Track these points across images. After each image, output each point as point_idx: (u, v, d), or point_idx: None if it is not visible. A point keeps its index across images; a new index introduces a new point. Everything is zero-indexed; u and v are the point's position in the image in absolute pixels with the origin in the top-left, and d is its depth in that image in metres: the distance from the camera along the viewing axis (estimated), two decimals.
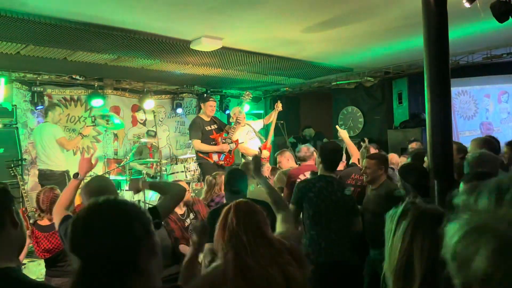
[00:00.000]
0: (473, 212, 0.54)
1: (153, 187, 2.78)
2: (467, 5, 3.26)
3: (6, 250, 1.34)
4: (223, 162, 5.74)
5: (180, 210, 4.03)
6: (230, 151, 5.86)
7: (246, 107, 6.37)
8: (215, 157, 5.78)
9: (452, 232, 0.56)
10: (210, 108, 5.99)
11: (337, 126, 5.82)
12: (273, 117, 6.41)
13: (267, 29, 4.92)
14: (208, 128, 5.91)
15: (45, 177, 5.85)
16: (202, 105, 6.14)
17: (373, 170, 3.50)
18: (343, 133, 5.04)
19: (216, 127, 6.02)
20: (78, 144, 6.71)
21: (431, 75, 2.65)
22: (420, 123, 7.03)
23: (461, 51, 6.30)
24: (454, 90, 7.40)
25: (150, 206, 3.25)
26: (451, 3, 2.71)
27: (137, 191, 2.77)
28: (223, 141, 5.84)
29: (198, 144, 5.81)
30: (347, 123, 9.08)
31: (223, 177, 4.24)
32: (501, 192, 0.54)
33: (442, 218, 1.24)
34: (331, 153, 3.36)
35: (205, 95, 8.90)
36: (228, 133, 5.96)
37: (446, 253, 0.58)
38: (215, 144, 5.84)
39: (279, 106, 6.33)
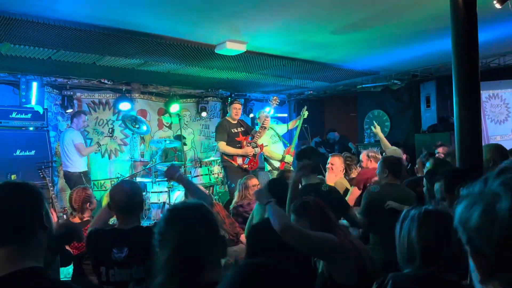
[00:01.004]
0: (469, 196, 0.77)
1: (187, 185, 2.64)
2: (497, 6, 3.15)
3: (34, 252, 1.39)
4: (247, 166, 5.74)
5: None
6: (254, 155, 5.85)
7: (272, 112, 6.37)
8: (239, 160, 5.79)
9: (458, 210, 0.78)
10: (234, 111, 6.01)
11: (374, 122, 6.04)
12: (298, 123, 6.39)
13: (291, 32, 4.90)
14: (234, 130, 5.93)
15: (67, 177, 6.33)
16: (228, 108, 6.18)
17: None
18: (377, 130, 5.78)
19: (242, 129, 6.02)
20: (95, 151, 7.07)
21: (459, 78, 2.57)
22: (448, 127, 6.86)
23: (491, 53, 6.12)
24: (484, 93, 7.19)
25: None
26: (480, 4, 2.64)
27: (170, 179, 2.76)
28: (248, 144, 5.84)
29: (223, 146, 5.84)
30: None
31: (253, 180, 4.28)
32: (485, 179, 0.76)
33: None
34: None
35: (230, 98, 8.96)
36: (253, 137, 5.96)
37: (455, 224, 0.79)
38: (240, 147, 5.85)
39: (305, 113, 6.30)
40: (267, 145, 6.18)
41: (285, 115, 9.86)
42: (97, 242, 2.26)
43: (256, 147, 5.87)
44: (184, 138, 7.09)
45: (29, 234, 1.37)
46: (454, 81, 2.63)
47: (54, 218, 4.15)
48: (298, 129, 6.40)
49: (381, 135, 5.81)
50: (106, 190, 7.18)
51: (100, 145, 6.88)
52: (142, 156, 7.83)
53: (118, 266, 2.11)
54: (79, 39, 4.74)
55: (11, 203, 1.38)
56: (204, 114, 8.72)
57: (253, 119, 9.13)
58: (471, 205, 0.75)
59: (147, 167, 7.04)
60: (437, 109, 7.57)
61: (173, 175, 2.58)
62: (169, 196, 6.29)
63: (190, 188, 2.56)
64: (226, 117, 6.27)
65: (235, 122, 6.03)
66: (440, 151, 4.86)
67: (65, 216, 4.96)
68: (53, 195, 5.65)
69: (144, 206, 2.42)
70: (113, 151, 7.72)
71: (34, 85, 6.46)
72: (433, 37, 5.11)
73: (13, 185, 1.46)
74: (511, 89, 7.21)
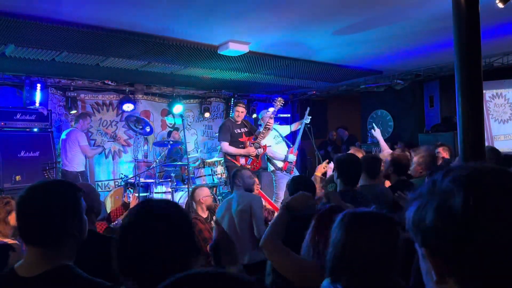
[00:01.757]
0: (420, 197, 0.77)
1: None
2: (500, 5, 3.15)
3: (68, 251, 1.44)
4: (250, 166, 5.75)
5: (203, 213, 4.09)
6: (257, 156, 5.86)
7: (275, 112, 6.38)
8: (242, 161, 5.80)
9: (409, 211, 0.78)
10: (236, 113, 6.02)
11: (374, 125, 6.05)
12: (301, 125, 6.38)
13: (294, 33, 4.91)
14: (237, 131, 5.94)
15: (63, 176, 6.31)
16: (232, 108, 6.19)
17: None
18: (377, 133, 5.76)
19: (246, 130, 6.03)
20: (98, 153, 7.13)
21: (462, 78, 2.57)
22: (452, 127, 6.83)
23: (495, 52, 6.10)
24: (488, 92, 7.17)
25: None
26: (483, 4, 2.63)
27: None
28: (251, 145, 5.84)
29: (226, 146, 5.85)
30: (376, 126, 8.94)
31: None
32: (433, 180, 0.76)
33: None
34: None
35: (233, 98, 8.98)
36: (256, 137, 5.96)
37: (407, 225, 0.78)
38: (244, 148, 5.86)
39: (308, 118, 6.27)
40: (270, 145, 6.18)
41: (288, 115, 9.86)
42: None
43: (259, 147, 5.88)
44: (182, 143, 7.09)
45: (62, 237, 1.40)
46: (456, 80, 2.62)
47: None
48: (301, 131, 6.41)
49: (380, 138, 5.80)
50: (110, 190, 7.21)
51: (105, 148, 7.09)
52: (146, 156, 7.86)
53: None
54: (83, 40, 4.77)
55: (46, 205, 1.39)
56: (207, 114, 8.74)
57: (256, 119, 9.14)
58: (423, 206, 0.74)
59: (151, 167, 7.06)
60: (440, 109, 7.55)
61: None
62: (172, 196, 6.31)
63: None
64: (230, 118, 6.29)
65: (239, 122, 6.04)
66: (440, 151, 4.85)
67: None
68: None
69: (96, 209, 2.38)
70: (117, 152, 7.75)
71: (38, 86, 6.50)
72: (436, 37, 5.10)
73: (50, 185, 1.48)
74: None
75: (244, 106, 6.16)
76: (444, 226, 0.69)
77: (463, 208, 0.67)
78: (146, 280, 1.18)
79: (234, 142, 5.85)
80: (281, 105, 6.10)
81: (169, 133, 8.05)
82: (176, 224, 1.27)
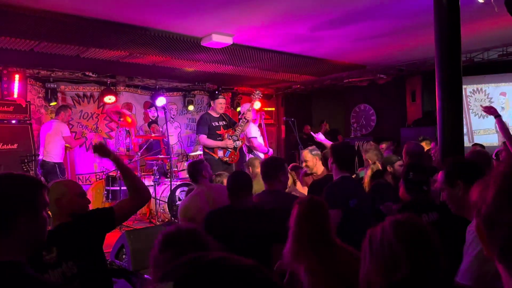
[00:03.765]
0: None
1: (124, 168, 2.34)
2: (480, 0, 3.19)
3: (18, 246, 1.36)
4: (227, 159, 5.71)
5: None
6: (235, 148, 5.83)
7: (257, 105, 6.34)
8: (220, 153, 5.75)
9: None
10: (219, 106, 5.96)
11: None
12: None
13: (278, 25, 4.89)
14: (215, 124, 5.88)
15: (41, 166, 6.17)
16: (211, 102, 6.11)
17: None
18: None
19: (224, 123, 5.99)
20: (80, 144, 7.17)
21: (442, 72, 2.60)
22: (434, 121, 6.89)
23: (475, 48, 6.19)
24: (468, 88, 7.28)
25: (104, 207, 2.90)
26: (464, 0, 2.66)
27: (104, 155, 2.44)
28: (229, 137, 5.82)
29: (203, 139, 5.80)
30: (359, 120, 9.02)
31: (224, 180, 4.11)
32: None
33: None
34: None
35: (216, 92, 8.91)
36: (235, 130, 5.94)
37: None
38: (222, 140, 5.83)
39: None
40: (255, 137, 6.18)
41: (273, 109, 9.85)
42: None
43: (238, 140, 5.85)
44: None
45: (6, 226, 1.33)
46: (437, 75, 2.65)
47: None
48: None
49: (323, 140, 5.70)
50: (91, 184, 7.11)
51: (87, 139, 7.09)
52: (128, 149, 7.77)
53: (51, 268, 1.98)
54: (62, 30, 4.67)
55: None
56: (191, 107, 8.67)
57: (240, 113, 9.10)
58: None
59: (133, 160, 6.98)
60: (422, 103, 7.65)
61: (106, 154, 2.32)
62: (155, 190, 6.26)
63: (127, 173, 2.30)
64: (209, 111, 6.23)
65: (218, 115, 5.98)
66: (424, 145, 4.92)
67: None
68: None
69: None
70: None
71: (17, 77, 6.34)
72: (418, 32, 5.14)
73: (4, 177, 1.43)
74: (495, 84, 7.32)
75: (224, 98, 6.10)
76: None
77: None
78: None
79: (212, 135, 5.80)
80: (259, 97, 6.08)
81: (149, 124, 7.96)
82: None
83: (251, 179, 2.94)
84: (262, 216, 2.75)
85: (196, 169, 3.61)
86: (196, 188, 3.63)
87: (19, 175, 1.48)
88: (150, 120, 8.18)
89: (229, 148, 5.74)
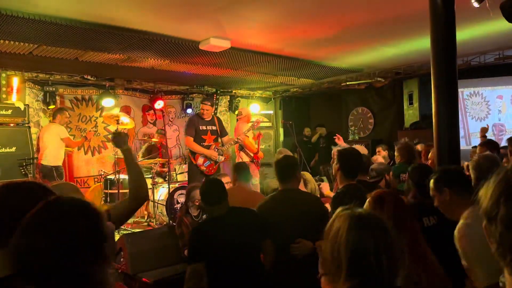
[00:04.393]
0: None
1: (132, 162, 2.28)
2: (475, 4, 3.21)
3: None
4: (205, 169, 5.67)
5: (195, 211, 4.05)
6: (216, 162, 5.79)
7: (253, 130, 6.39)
8: (199, 161, 5.70)
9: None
10: (202, 111, 5.93)
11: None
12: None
13: (276, 29, 4.92)
14: (202, 127, 5.83)
15: (39, 169, 6.22)
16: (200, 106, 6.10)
17: None
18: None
19: (213, 128, 5.92)
20: (81, 144, 7.20)
21: (437, 76, 2.62)
22: (431, 124, 6.93)
23: (472, 51, 6.22)
24: (465, 91, 7.32)
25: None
26: (459, 3, 2.68)
27: (119, 147, 2.42)
28: (216, 149, 5.79)
29: (189, 141, 5.76)
30: (357, 124, 9.05)
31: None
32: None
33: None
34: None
35: (215, 94, 8.92)
36: (223, 144, 5.94)
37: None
38: (206, 145, 5.79)
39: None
40: (248, 136, 6.23)
41: (271, 112, 9.87)
42: None
43: (222, 155, 5.84)
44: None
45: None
46: (432, 78, 2.67)
47: None
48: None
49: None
50: (89, 187, 7.11)
51: (87, 138, 7.11)
52: None
53: None
54: (61, 34, 4.68)
55: None
56: (189, 110, 8.69)
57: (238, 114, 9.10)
58: (501, 194, 0.77)
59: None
60: (419, 106, 7.68)
61: (121, 144, 2.30)
62: (153, 192, 6.26)
63: (133, 168, 2.24)
64: (198, 113, 6.21)
65: (208, 119, 5.94)
66: (418, 149, 4.96)
67: None
68: None
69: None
70: (96, 148, 7.65)
71: (15, 80, 6.35)
72: (415, 35, 5.18)
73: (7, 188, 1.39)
74: (492, 87, 7.36)
75: (209, 104, 6.01)
76: None
77: None
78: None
79: (197, 139, 5.77)
80: (257, 125, 6.13)
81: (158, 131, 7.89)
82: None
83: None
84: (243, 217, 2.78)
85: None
86: None
87: (24, 186, 1.46)
88: (157, 130, 8.10)
89: (211, 159, 5.71)
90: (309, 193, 3.81)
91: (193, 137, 5.72)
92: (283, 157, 3.21)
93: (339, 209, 1.41)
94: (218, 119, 6.13)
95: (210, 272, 2.57)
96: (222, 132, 6.01)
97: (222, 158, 5.81)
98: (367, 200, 2.04)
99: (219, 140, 5.95)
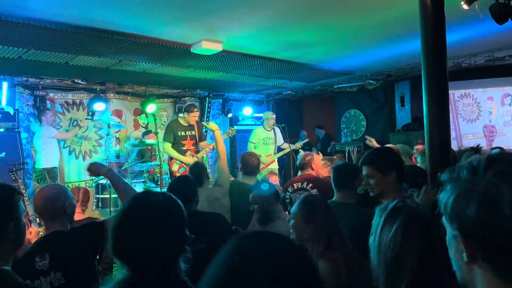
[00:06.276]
0: (457, 182, 0.78)
1: (116, 181, 2.35)
2: (465, 6, 3.23)
3: (4, 255, 1.44)
4: (179, 175, 5.69)
5: None
6: None
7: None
8: (175, 167, 5.76)
9: (446, 195, 0.79)
10: (193, 119, 5.91)
11: (368, 137, 6.25)
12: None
13: (268, 32, 4.91)
14: (181, 133, 5.84)
15: (35, 173, 6.34)
16: (185, 114, 5.97)
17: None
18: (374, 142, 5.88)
19: (192, 133, 5.92)
20: (76, 134, 7.16)
21: (428, 77, 2.63)
22: (423, 126, 6.97)
23: (462, 53, 6.27)
24: (456, 93, 7.37)
25: (97, 221, 2.93)
26: (449, 5, 2.69)
27: (97, 175, 2.43)
28: (191, 155, 5.80)
29: (167, 147, 5.80)
30: (349, 126, 9.06)
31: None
32: (473, 167, 0.77)
33: (431, 221, 1.24)
34: None
35: (207, 98, 8.89)
36: (198, 151, 5.94)
37: (442, 208, 0.80)
38: (184, 151, 5.79)
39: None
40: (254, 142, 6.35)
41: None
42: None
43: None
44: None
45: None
46: (423, 80, 2.68)
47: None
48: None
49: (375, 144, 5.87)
50: None
51: (81, 126, 7.05)
52: (118, 157, 7.71)
53: (43, 275, 1.97)
54: (51, 38, 4.64)
55: None
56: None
57: (231, 119, 9.10)
58: (463, 194, 0.75)
59: (123, 168, 6.93)
60: (411, 108, 7.71)
61: (100, 170, 2.38)
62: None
63: (119, 185, 2.31)
64: (178, 118, 6.20)
65: (187, 124, 5.92)
66: (419, 148, 5.02)
67: (38, 219, 4.83)
68: (26, 198, 5.52)
69: (68, 210, 2.19)
70: (88, 152, 7.58)
71: (4, 85, 6.31)
72: (405, 37, 5.20)
73: None
74: (482, 89, 7.42)
75: (197, 109, 6.03)
76: (489, 219, 0.71)
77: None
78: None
79: (175, 144, 5.80)
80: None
81: (144, 134, 7.88)
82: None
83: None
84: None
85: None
86: None
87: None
88: (144, 131, 8.07)
89: (185, 166, 5.72)
90: None
91: (170, 143, 5.77)
92: None
93: None
94: (199, 124, 6.10)
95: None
96: (201, 137, 6.05)
97: None
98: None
99: (198, 145, 5.97)
